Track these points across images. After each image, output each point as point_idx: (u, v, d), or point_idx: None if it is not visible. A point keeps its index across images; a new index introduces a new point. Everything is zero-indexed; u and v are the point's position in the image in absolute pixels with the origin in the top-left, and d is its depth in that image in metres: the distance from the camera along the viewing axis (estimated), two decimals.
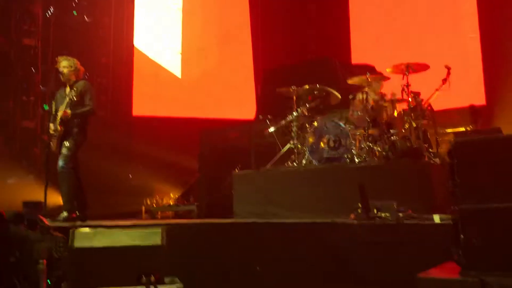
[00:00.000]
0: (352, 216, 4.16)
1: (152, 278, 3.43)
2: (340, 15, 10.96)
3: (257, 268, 4.18)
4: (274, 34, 11.14)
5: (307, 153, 5.85)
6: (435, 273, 2.60)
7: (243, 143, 8.08)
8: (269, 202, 5.47)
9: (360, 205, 4.19)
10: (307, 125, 6.05)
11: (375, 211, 4.06)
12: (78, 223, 4.97)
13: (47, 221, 2.93)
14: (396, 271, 3.50)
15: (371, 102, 5.88)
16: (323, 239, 4.01)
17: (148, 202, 9.50)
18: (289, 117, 6.16)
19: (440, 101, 6.11)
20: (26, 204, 4.84)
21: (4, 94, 9.18)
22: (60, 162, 5.29)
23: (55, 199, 6.25)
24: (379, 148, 5.59)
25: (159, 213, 9.08)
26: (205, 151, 8.75)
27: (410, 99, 5.62)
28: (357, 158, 5.54)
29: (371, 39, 10.44)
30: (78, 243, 3.40)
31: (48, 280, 2.72)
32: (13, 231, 2.76)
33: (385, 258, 3.62)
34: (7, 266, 2.63)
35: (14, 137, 9.16)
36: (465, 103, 7.78)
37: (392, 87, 6.18)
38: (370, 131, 5.66)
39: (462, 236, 2.49)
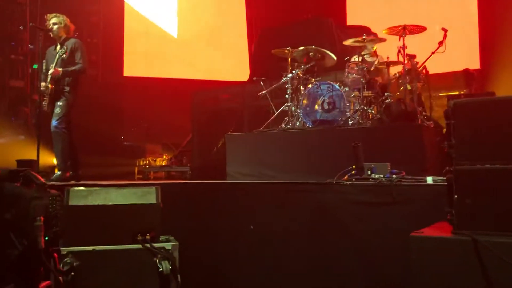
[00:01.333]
0: (346, 177, 4.19)
1: (148, 236, 3.47)
2: None
3: (250, 227, 4.23)
4: None
5: (301, 115, 5.83)
6: (428, 232, 2.64)
7: (236, 105, 8.04)
8: (262, 164, 5.49)
9: (353, 166, 4.22)
10: (301, 87, 6.01)
11: (368, 172, 4.09)
12: (72, 182, 4.98)
13: (42, 179, 2.92)
14: (390, 231, 3.57)
15: (366, 64, 5.83)
16: (316, 199, 4.05)
17: (141, 163, 9.51)
18: (283, 79, 6.10)
19: (435, 65, 6.08)
20: (20, 162, 4.82)
21: None
22: (54, 122, 5.24)
23: (47, 158, 6.24)
24: (373, 111, 5.59)
25: (152, 174, 9.12)
26: (198, 113, 8.71)
27: (405, 62, 5.57)
28: (351, 121, 5.55)
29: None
30: (73, 201, 3.41)
31: (46, 237, 2.73)
32: (8, 189, 2.75)
33: (379, 218, 3.68)
34: (4, 223, 2.63)
35: (3, 97, 9.03)
36: (460, 67, 7.77)
37: (387, 49, 6.13)
38: (365, 94, 5.64)
39: (455, 196, 2.52)
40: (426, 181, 3.78)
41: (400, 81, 5.75)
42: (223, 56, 11.20)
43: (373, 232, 3.68)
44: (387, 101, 5.58)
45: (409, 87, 5.69)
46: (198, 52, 11.06)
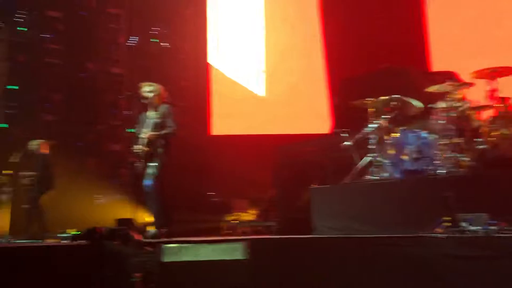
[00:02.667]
0: (439, 230, 3.97)
1: None
2: (415, 21, 10.65)
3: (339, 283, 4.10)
4: (347, 45, 11.02)
5: (387, 166, 5.68)
6: None
7: (319, 158, 8.02)
8: (349, 217, 5.36)
9: (447, 218, 3.99)
10: (386, 136, 5.89)
11: (463, 224, 3.85)
12: (166, 239, 5.18)
13: (139, 237, 3.10)
14: (489, 287, 3.29)
15: (454, 110, 5.61)
16: (408, 254, 3.86)
17: (228, 218, 9.70)
18: (367, 130, 6.03)
19: None
20: (120, 221, 5.14)
21: (94, 119, 9.93)
22: (147, 182, 5.56)
23: (142, 216, 6.59)
24: (466, 158, 5.30)
25: (239, 229, 9.23)
26: (281, 167, 8.79)
27: (498, 105, 5.29)
28: (442, 169, 5.29)
29: (451, 43, 10.02)
30: (167, 257, 3.56)
31: None
32: (109, 247, 2.95)
33: (476, 273, 3.41)
34: (105, 280, 2.81)
35: (104, 160, 9.83)
36: None
37: (477, 93, 5.88)
38: (455, 140, 5.38)
39: None
40: None
41: (494, 125, 5.44)
42: (305, 110, 11.38)
43: None
44: (480, 147, 5.28)
45: (505, 131, 5.35)
46: (281, 108, 11.35)
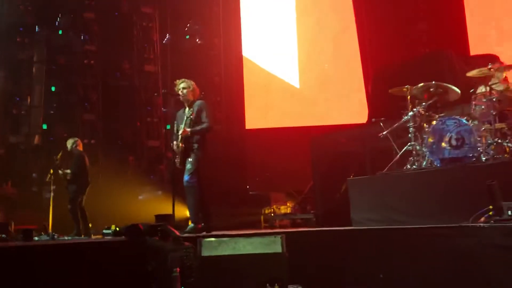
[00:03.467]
0: (482, 219, 3.84)
1: (276, 286, 3.51)
2: (453, 5, 10.28)
3: (380, 276, 4.05)
4: (382, 33, 10.76)
5: (427, 154, 5.54)
6: None
7: (356, 148, 7.91)
8: (388, 208, 5.27)
9: (490, 207, 3.86)
10: (425, 124, 5.74)
11: (509, 212, 3.71)
12: (204, 233, 5.25)
13: (178, 232, 3.16)
14: None
15: (495, 94, 5.40)
16: (451, 245, 3.76)
17: (266, 211, 9.72)
18: (404, 118, 5.90)
19: None
20: (159, 217, 5.24)
21: (131, 117, 10.15)
22: (186, 177, 5.64)
23: (182, 211, 6.69)
24: (509, 144, 5.10)
25: (277, 222, 9.24)
26: (318, 158, 8.72)
27: None
28: (484, 156, 5.11)
29: (490, 26, 9.63)
30: (206, 252, 3.61)
31: (182, 287, 2.91)
32: (149, 243, 3.02)
33: None
34: (146, 274, 2.88)
35: (142, 156, 10.05)
36: None
37: None
38: (498, 126, 5.19)
39: None
40: None
41: None
42: (340, 100, 11.24)
43: None
44: None
45: None
46: (316, 99, 11.25)
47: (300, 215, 8.93)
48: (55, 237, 6.72)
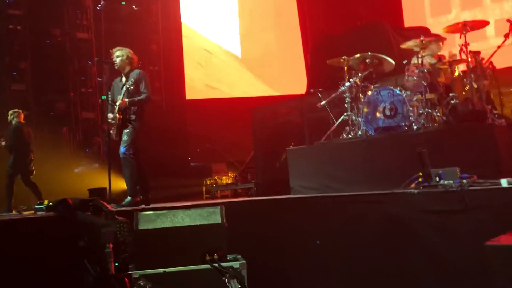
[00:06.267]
0: (413, 185, 4.02)
1: (216, 256, 3.51)
2: None
3: (317, 242, 4.17)
4: (320, 4, 10.82)
5: (362, 124, 5.71)
6: (504, 240, 2.47)
7: (295, 118, 8.02)
8: (325, 176, 5.42)
9: (420, 173, 4.05)
10: (360, 95, 5.89)
11: (437, 178, 3.91)
12: (142, 206, 5.16)
13: (110, 207, 3.06)
14: (463, 240, 3.38)
15: (427, 65, 5.62)
16: (383, 210, 3.92)
17: (208, 182, 9.72)
18: (341, 88, 6.02)
19: (503, 59, 5.74)
20: (92, 191, 5.08)
21: (64, 87, 9.64)
22: (122, 149, 5.46)
23: (119, 185, 6.54)
24: (438, 113, 5.35)
25: (219, 192, 9.28)
26: (258, 129, 8.78)
27: (469, 59, 5.31)
28: (416, 125, 5.34)
29: None
30: (143, 225, 3.53)
31: (116, 263, 2.85)
32: (80, 218, 2.91)
33: (450, 227, 3.49)
34: (77, 250, 2.79)
35: (77, 128, 9.63)
36: None
37: (449, 48, 5.88)
38: (428, 96, 5.42)
39: None
40: (500, 184, 3.55)
41: (465, 80, 5.47)
42: (281, 70, 11.28)
43: (445, 242, 3.49)
44: (452, 102, 5.33)
45: (475, 85, 5.40)
46: (256, 69, 11.22)
47: (241, 185, 9.01)
48: None
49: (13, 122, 7.56)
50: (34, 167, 7.56)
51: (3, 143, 7.38)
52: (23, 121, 7.67)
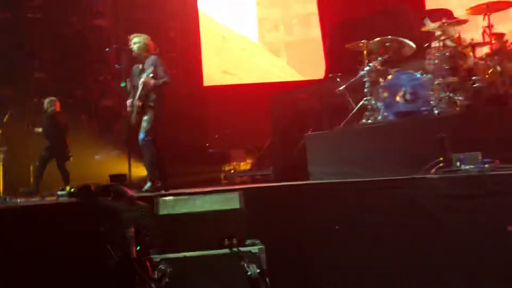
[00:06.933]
0: (433, 170, 3.97)
1: (234, 241, 3.54)
2: None
3: (336, 228, 4.16)
4: None
5: (382, 109, 5.63)
6: None
7: (314, 104, 7.96)
8: (344, 162, 5.38)
9: (441, 158, 3.99)
10: (380, 79, 5.80)
11: (457, 163, 3.85)
12: (161, 192, 5.21)
13: (131, 192, 3.10)
14: (484, 225, 3.33)
15: (448, 49, 5.49)
16: (404, 195, 3.88)
17: (226, 168, 9.76)
18: (361, 73, 5.94)
19: None
20: (112, 177, 5.15)
21: (82, 74, 9.72)
22: (141, 135, 5.50)
23: (139, 171, 6.61)
24: (460, 97, 5.24)
25: (237, 178, 9.31)
26: (277, 115, 8.75)
27: (493, 42, 5.17)
28: (437, 110, 5.24)
29: None
30: (163, 210, 3.58)
31: (137, 247, 2.89)
32: (102, 203, 2.96)
33: (471, 212, 3.44)
34: (100, 235, 2.84)
35: (96, 116, 9.73)
36: None
37: (473, 30, 5.74)
38: (450, 80, 5.31)
39: None
40: None
41: (489, 63, 5.34)
42: (299, 55, 11.19)
43: (465, 227, 3.45)
44: (475, 85, 5.22)
45: (499, 68, 5.27)
46: (275, 54, 11.15)
47: (259, 171, 9.02)
48: (7, 200, 6.51)
49: (49, 111, 7.67)
50: (71, 153, 7.69)
51: (40, 129, 7.46)
52: (59, 109, 7.77)
